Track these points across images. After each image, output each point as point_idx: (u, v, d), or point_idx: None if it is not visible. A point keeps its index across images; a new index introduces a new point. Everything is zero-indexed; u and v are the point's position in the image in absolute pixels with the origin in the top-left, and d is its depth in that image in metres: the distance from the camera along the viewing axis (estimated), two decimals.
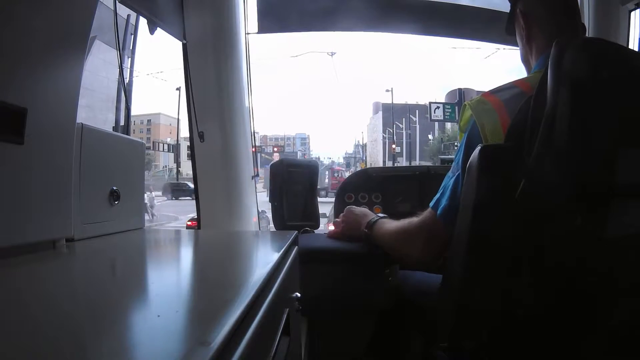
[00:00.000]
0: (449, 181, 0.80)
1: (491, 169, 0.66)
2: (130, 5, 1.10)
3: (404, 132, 26.48)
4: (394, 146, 23.17)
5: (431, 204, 0.82)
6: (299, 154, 38.54)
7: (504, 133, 0.70)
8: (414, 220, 0.86)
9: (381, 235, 0.95)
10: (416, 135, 26.65)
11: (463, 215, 0.71)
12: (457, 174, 0.78)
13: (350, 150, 36.25)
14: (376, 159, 31.63)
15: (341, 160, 38.01)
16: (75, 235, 0.64)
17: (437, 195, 0.82)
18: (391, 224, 0.94)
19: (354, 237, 1.02)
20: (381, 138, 30.66)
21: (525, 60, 0.87)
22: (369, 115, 36.84)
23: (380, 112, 31.23)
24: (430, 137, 28.43)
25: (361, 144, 34.67)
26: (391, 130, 25.75)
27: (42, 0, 0.54)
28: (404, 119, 26.52)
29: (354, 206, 1.11)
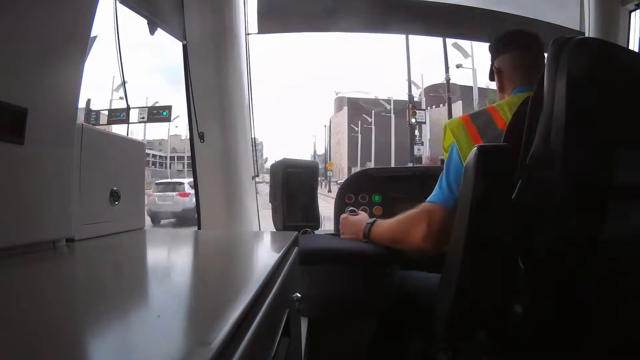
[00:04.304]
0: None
1: (488, 170, 0.66)
2: (130, 5, 1.10)
3: (373, 127, 20.53)
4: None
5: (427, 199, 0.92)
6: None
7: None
8: (414, 209, 0.94)
9: (381, 232, 0.99)
10: (391, 133, 19.05)
11: (460, 216, 0.70)
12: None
13: (319, 152, 26.79)
14: (339, 163, 25.14)
15: None
16: (76, 236, 0.64)
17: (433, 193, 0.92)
18: (389, 220, 0.99)
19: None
20: (346, 139, 24.91)
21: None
22: (331, 114, 29.09)
23: (345, 108, 25.44)
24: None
25: (326, 146, 27.20)
26: (357, 129, 21.25)
27: (43, 0, 0.54)
28: (373, 111, 20.67)
29: (346, 215, 1.13)
